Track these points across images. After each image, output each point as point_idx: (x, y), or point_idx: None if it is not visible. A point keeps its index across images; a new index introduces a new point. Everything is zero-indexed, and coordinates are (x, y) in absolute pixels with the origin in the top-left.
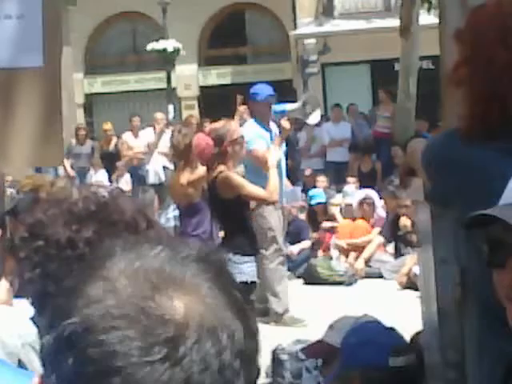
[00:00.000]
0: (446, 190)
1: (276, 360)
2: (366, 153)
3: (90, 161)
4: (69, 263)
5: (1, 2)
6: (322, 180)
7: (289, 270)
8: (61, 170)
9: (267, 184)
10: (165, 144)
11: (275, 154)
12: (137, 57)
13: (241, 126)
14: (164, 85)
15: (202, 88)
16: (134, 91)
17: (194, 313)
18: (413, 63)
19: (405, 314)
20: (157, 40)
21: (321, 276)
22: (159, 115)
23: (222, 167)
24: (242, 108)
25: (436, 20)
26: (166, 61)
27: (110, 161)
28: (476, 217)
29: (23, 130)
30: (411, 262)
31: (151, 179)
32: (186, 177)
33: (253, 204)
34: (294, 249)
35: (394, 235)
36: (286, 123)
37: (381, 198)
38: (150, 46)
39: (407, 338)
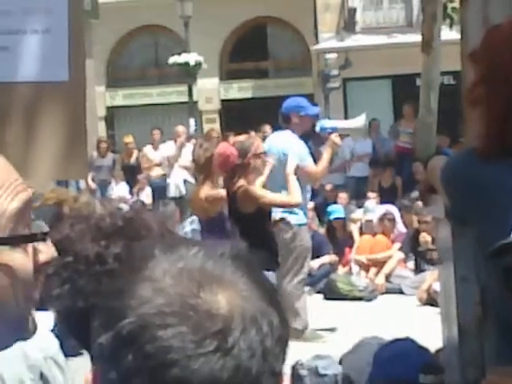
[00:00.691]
0: (465, 208)
1: (295, 375)
2: (387, 168)
3: (111, 173)
4: (98, 279)
5: (28, 16)
6: (343, 196)
7: (309, 284)
8: (82, 183)
9: (288, 189)
10: (186, 157)
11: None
12: (158, 70)
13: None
14: (185, 98)
15: (223, 102)
16: (156, 104)
17: (236, 306)
18: (434, 78)
19: (425, 330)
20: (179, 53)
21: (341, 291)
22: (180, 128)
23: (242, 181)
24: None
25: (458, 35)
26: (188, 74)
27: (131, 174)
28: (500, 246)
29: (48, 143)
30: (431, 278)
31: (172, 192)
32: (205, 191)
33: (276, 217)
34: (314, 264)
35: (415, 251)
36: (337, 139)
37: (401, 214)
38: (172, 60)
39: None
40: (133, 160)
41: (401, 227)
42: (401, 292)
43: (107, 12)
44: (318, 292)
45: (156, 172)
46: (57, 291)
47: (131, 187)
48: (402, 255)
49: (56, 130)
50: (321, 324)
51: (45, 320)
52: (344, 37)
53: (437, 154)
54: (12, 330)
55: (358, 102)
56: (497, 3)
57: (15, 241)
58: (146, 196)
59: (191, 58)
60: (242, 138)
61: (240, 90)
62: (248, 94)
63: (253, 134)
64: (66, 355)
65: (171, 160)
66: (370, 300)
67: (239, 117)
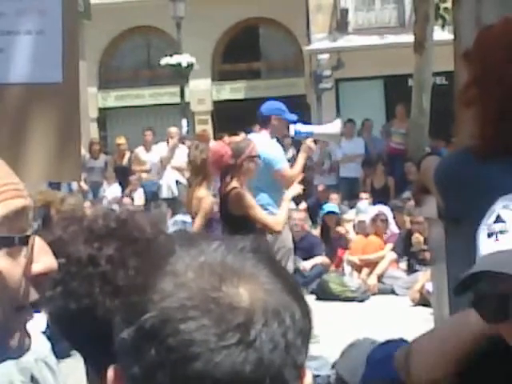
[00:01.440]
0: (459, 208)
1: None
2: (379, 168)
3: (104, 175)
4: (90, 281)
5: (21, 17)
6: (334, 197)
7: (301, 285)
8: (74, 185)
9: (278, 213)
10: (178, 159)
11: (296, 189)
12: (151, 71)
13: None
14: (178, 99)
15: (216, 103)
16: (148, 105)
17: (258, 299)
18: (426, 79)
19: (417, 330)
20: (171, 55)
21: (333, 292)
22: (173, 130)
23: (234, 182)
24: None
25: (450, 36)
26: (180, 75)
27: (123, 175)
28: (465, 279)
29: (41, 144)
30: (424, 278)
31: (164, 194)
32: (203, 191)
33: None
34: (307, 264)
35: (407, 251)
36: (312, 144)
37: (394, 215)
38: (164, 61)
39: None
40: (125, 161)
41: (393, 228)
42: (393, 292)
43: (99, 13)
44: (311, 293)
45: (148, 173)
46: (49, 293)
47: (123, 188)
48: (394, 256)
49: (49, 131)
50: (314, 325)
51: (37, 322)
52: (336, 37)
53: (430, 154)
54: None
55: (351, 103)
56: (489, 3)
57: None
58: (139, 197)
59: (183, 59)
60: (238, 138)
61: (232, 91)
62: (240, 95)
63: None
64: (58, 357)
65: (163, 161)
66: (362, 301)
67: (231, 118)
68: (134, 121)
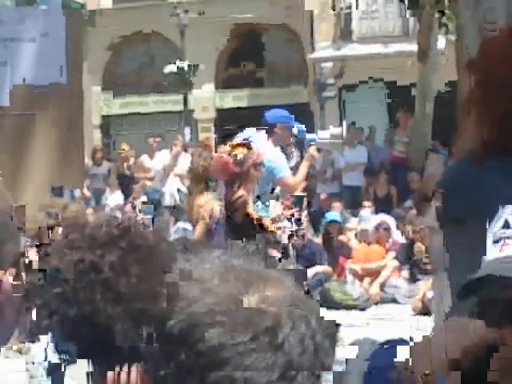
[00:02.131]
0: (463, 211)
1: None
2: (382, 177)
3: (106, 182)
4: (92, 287)
5: (26, 21)
6: (337, 205)
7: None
8: (77, 191)
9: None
10: (181, 166)
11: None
12: (154, 79)
13: None
14: (181, 107)
15: (219, 110)
16: (152, 113)
17: (285, 302)
18: (430, 87)
19: (419, 339)
20: (174, 62)
21: (335, 300)
22: (176, 137)
23: (241, 191)
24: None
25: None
26: (184, 83)
27: (126, 182)
28: (470, 283)
29: (45, 148)
30: (426, 287)
31: (167, 201)
32: (203, 199)
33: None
34: (309, 272)
35: (409, 260)
36: (315, 153)
37: (396, 223)
38: (168, 68)
39: None
40: (128, 169)
41: (396, 236)
42: (395, 301)
43: (104, 20)
44: None
45: (150, 181)
46: (45, 323)
47: (126, 195)
48: (396, 264)
49: (53, 133)
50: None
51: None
52: (340, 46)
53: (430, 151)
54: None
55: (354, 111)
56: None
57: None
58: (141, 204)
59: (187, 66)
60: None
61: (235, 99)
62: (243, 103)
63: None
64: None
65: (166, 169)
66: (364, 309)
67: (234, 126)
68: (138, 128)
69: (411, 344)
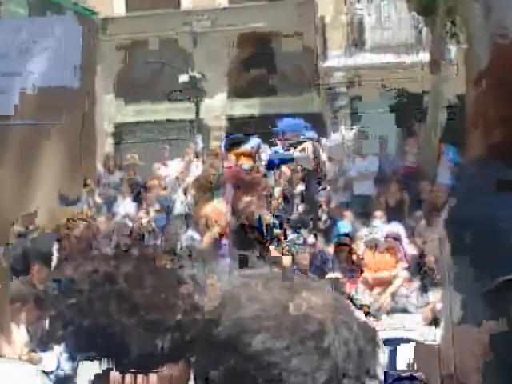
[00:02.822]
0: (470, 215)
1: None
2: (393, 186)
3: (119, 190)
4: (107, 299)
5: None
6: (348, 215)
7: None
8: (89, 199)
9: None
10: (193, 174)
11: None
12: (167, 87)
13: None
14: (193, 115)
15: (231, 119)
16: (164, 121)
17: (328, 309)
18: (441, 97)
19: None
20: (186, 70)
21: None
22: (188, 145)
23: (249, 198)
24: None
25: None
26: (195, 91)
27: (138, 190)
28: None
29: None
30: (436, 297)
31: (178, 209)
32: (209, 208)
33: None
34: None
35: (420, 270)
36: (287, 170)
37: (407, 233)
38: (180, 76)
39: None
40: (140, 176)
41: (407, 246)
42: (406, 311)
43: (116, 28)
44: None
45: (163, 189)
46: (59, 333)
47: (138, 203)
48: (407, 274)
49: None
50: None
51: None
52: (352, 55)
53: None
54: None
55: (365, 120)
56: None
57: None
58: (153, 212)
59: (199, 74)
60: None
61: (247, 107)
62: (255, 112)
63: None
64: None
65: (178, 177)
66: (375, 318)
67: (246, 134)
68: (150, 136)
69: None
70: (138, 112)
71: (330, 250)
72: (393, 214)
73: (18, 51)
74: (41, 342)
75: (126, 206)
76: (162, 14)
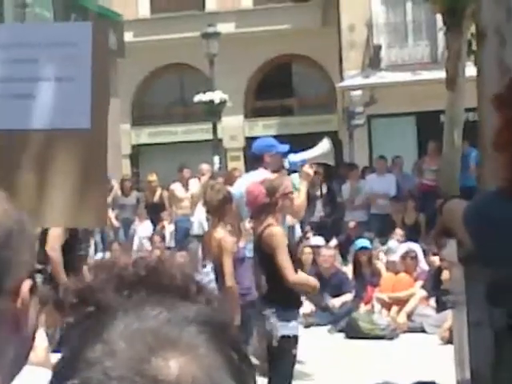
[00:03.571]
0: (490, 248)
1: None
2: (410, 205)
3: (135, 212)
4: None
5: (52, 63)
6: (368, 234)
7: (330, 323)
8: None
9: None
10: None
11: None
12: (184, 108)
13: None
14: (210, 136)
15: (248, 139)
16: (181, 142)
17: (188, 373)
18: (458, 115)
19: (446, 369)
20: (204, 91)
21: (362, 330)
22: (205, 166)
23: (270, 219)
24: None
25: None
26: (213, 112)
27: (154, 212)
28: None
29: (66, 192)
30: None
31: (195, 230)
32: (219, 233)
33: None
34: (336, 302)
35: (437, 289)
36: (310, 170)
37: (424, 252)
38: (197, 98)
39: None
40: (157, 198)
41: (423, 265)
42: (423, 331)
43: (133, 50)
44: (340, 331)
45: (181, 210)
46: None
47: (155, 226)
48: (424, 293)
49: (75, 178)
50: (342, 363)
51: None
52: (369, 74)
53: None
54: None
55: (383, 139)
56: None
57: None
58: (170, 234)
59: (216, 96)
60: (271, 176)
61: (265, 127)
62: (273, 132)
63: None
64: None
65: (195, 198)
66: (391, 339)
67: None
68: (167, 157)
69: None
70: (155, 134)
71: (348, 270)
72: (410, 233)
73: (29, 79)
74: (58, 347)
75: (143, 228)
76: (187, 15)
